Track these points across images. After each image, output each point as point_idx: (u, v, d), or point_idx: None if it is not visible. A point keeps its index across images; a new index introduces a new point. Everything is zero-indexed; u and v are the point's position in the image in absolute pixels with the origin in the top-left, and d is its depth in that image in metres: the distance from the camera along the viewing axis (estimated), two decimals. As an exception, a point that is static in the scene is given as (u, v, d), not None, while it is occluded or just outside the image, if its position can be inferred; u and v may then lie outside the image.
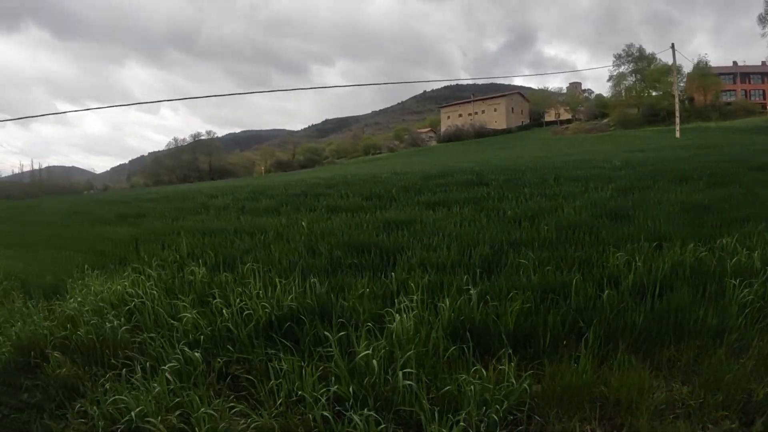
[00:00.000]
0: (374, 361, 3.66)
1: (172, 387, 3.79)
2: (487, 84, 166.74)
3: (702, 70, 76.76)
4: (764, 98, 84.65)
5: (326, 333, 4.21)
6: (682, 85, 77.82)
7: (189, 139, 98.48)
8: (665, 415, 3.25)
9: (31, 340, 5.13)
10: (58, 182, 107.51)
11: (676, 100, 52.72)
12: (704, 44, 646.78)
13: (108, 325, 4.99)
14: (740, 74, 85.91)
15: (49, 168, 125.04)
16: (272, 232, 9.18)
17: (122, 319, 5.20)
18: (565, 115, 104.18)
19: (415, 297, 4.74)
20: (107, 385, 3.98)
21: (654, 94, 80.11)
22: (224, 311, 4.93)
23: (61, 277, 7.28)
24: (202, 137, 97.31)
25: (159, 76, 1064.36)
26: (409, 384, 3.44)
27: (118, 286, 6.16)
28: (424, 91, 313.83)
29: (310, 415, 3.39)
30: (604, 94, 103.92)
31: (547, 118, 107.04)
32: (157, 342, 4.58)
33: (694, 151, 23.36)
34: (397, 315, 4.32)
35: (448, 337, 4.11)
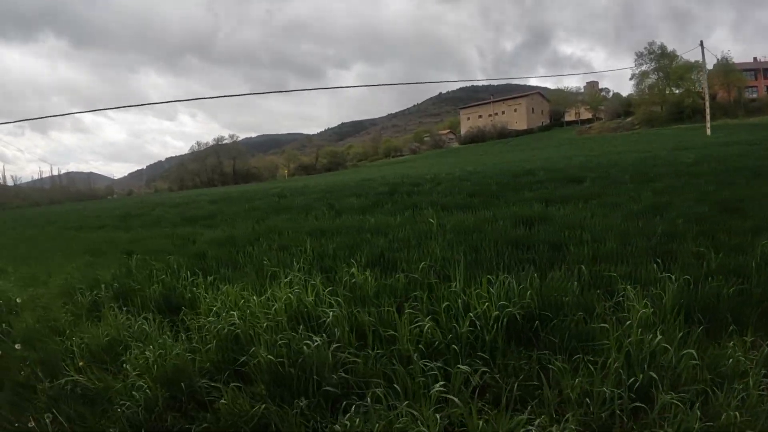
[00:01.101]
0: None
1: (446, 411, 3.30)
2: (503, 85, 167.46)
3: (725, 67, 76.45)
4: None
5: (591, 326, 4.15)
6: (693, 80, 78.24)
7: (212, 143, 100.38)
8: None
9: (178, 369, 4.09)
10: (79, 188, 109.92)
11: (706, 97, 52.94)
12: (724, 39, 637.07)
13: (309, 343, 4.02)
14: (762, 70, 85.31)
15: (68, 174, 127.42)
16: (402, 229, 9.13)
17: (323, 334, 4.27)
18: (585, 115, 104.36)
19: (626, 287, 4.73)
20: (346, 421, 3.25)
21: (677, 91, 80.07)
22: (464, 315, 4.29)
23: (171, 285, 6.52)
24: (225, 141, 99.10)
25: (176, 83, 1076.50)
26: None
27: (289, 295, 5.12)
28: (440, 93, 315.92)
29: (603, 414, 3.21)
30: (623, 94, 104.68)
31: (567, 118, 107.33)
32: (382, 359, 3.95)
33: (743, 147, 23.92)
34: (634, 304, 4.31)
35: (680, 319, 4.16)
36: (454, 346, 3.96)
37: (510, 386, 3.47)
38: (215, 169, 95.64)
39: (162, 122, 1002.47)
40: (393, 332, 4.26)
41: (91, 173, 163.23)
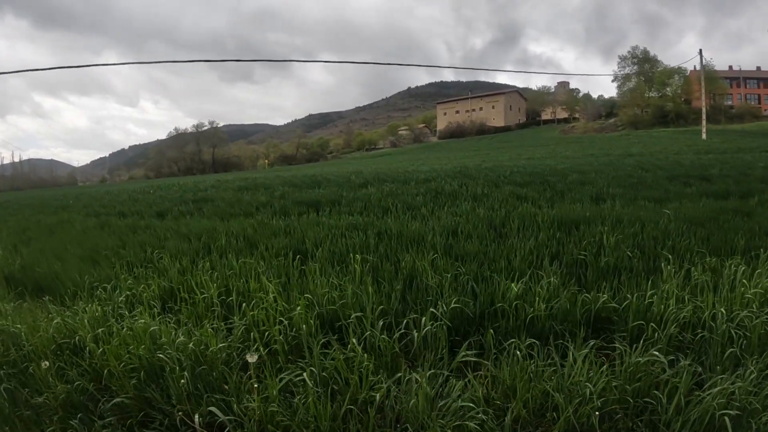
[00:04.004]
0: None
1: None
2: (472, 81, 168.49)
3: (708, 74, 78.29)
4: (759, 102, 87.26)
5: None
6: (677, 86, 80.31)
7: (191, 130, 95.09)
8: None
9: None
10: (41, 175, 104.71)
11: (703, 102, 53.40)
12: (694, 45, 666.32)
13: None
14: (739, 78, 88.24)
15: (29, 161, 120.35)
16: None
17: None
18: (562, 114, 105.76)
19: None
20: None
21: (655, 95, 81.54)
22: None
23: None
24: (206, 128, 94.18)
25: (139, 68, 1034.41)
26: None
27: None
28: (409, 88, 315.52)
29: None
30: (593, 94, 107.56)
31: (544, 117, 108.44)
32: None
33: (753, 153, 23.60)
34: None
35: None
36: None
37: None
38: (194, 157, 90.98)
39: (124, 108, 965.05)
40: None
41: (52, 160, 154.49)
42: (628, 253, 6.26)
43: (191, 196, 17.48)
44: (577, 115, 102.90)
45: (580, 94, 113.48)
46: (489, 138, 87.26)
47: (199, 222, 11.45)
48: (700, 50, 53.18)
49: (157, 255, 7.89)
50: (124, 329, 4.43)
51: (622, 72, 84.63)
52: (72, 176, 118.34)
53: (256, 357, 3.53)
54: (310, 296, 4.78)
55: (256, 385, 3.41)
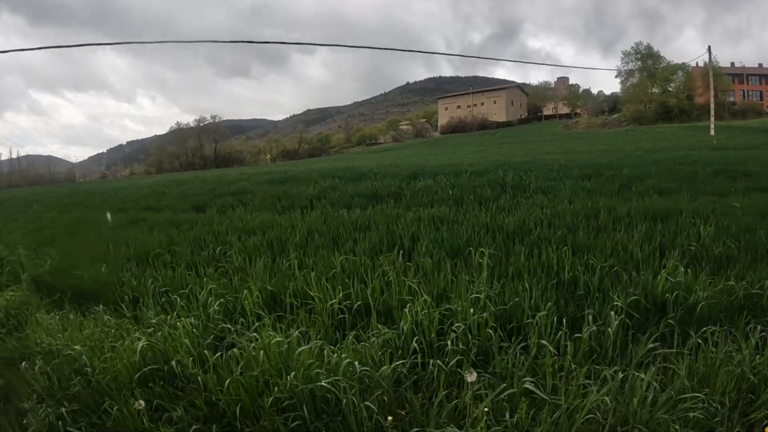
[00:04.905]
0: None
1: None
2: (471, 77, 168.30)
3: (712, 70, 78.27)
4: (761, 99, 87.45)
5: None
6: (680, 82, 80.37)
7: (193, 125, 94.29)
8: None
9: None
10: (39, 171, 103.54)
11: (711, 99, 53.48)
12: (693, 40, 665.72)
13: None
14: (742, 75, 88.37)
15: (27, 157, 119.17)
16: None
17: None
18: (563, 110, 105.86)
19: None
20: None
21: (657, 91, 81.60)
22: None
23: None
24: (208, 122, 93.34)
25: (136, 64, 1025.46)
26: None
27: None
28: (407, 83, 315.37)
29: None
30: (592, 90, 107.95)
31: (546, 112, 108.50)
32: None
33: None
34: None
35: None
36: None
37: None
38: (195, 152, 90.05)
39: (121, 105, 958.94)
40: None
41: (49, 156, 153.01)
42: (731, 243, 6.24)
43: (225, 189, 17.10)
44: (578, 111, 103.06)
45: (580, 90, 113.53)
46: (492, 133, 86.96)
47: (254, 215, 10.94)
48: (709, 47, 53.31)
49: (220, 251, 7.29)
50: (252, 348, 3.63)
51: (625, 67, 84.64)
52: (70, 172, 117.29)
53: (475, 375, 3.13)
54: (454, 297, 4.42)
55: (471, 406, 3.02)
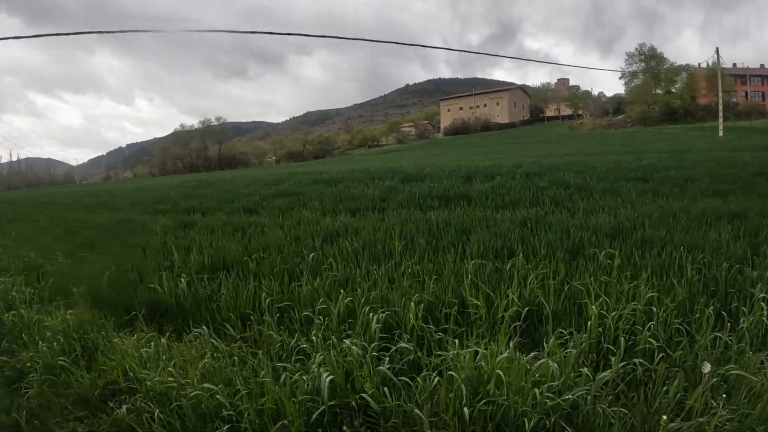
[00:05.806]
0: None
1: None
2: (470, 78, 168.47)
3: (714, 70, 78.70)
4: (763, 100, 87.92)
5: None
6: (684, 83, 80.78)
7: (197, 126, 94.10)
8: None
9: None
10: (38, 174, 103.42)
11: (720, 100, 53.77)
12: (692, 40, 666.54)
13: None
14: (745, 76, 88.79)
15: (27, 159, 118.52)
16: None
17: None
18: (565, 111, 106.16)
19: None
20: None
21: (660, 92, 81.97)
22: None
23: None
24: (213, 123, 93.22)
25: (133, 65, 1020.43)
26: None
27: None
28: (407, 85, 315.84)
29: None
30: (593, 91, 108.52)
31: (548, 114, 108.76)
32: None
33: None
34: None
35: None
36: None
37: None
38: (199, 153, 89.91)
39: (118, 106, 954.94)
40: None
41: (49, 159, 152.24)
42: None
43: (269, 190, 16.97)
44: (580, 112, 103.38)
45: (581, 91, 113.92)
46: (496, 135, 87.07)
47: (326, 218, 10.35)
48: (717, 49, 53.72)
49: (313, 258, 6.64)
50: (464, 369, 3.27)
51: (629, 69, 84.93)
52: (70, 175, 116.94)
53: (709, 366, 3.17)
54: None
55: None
